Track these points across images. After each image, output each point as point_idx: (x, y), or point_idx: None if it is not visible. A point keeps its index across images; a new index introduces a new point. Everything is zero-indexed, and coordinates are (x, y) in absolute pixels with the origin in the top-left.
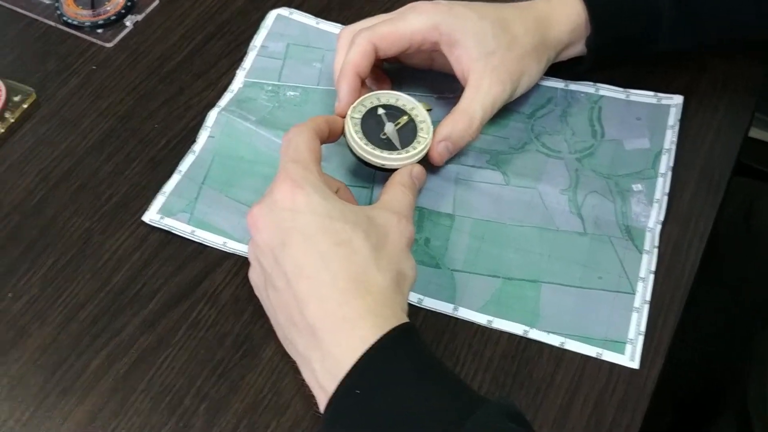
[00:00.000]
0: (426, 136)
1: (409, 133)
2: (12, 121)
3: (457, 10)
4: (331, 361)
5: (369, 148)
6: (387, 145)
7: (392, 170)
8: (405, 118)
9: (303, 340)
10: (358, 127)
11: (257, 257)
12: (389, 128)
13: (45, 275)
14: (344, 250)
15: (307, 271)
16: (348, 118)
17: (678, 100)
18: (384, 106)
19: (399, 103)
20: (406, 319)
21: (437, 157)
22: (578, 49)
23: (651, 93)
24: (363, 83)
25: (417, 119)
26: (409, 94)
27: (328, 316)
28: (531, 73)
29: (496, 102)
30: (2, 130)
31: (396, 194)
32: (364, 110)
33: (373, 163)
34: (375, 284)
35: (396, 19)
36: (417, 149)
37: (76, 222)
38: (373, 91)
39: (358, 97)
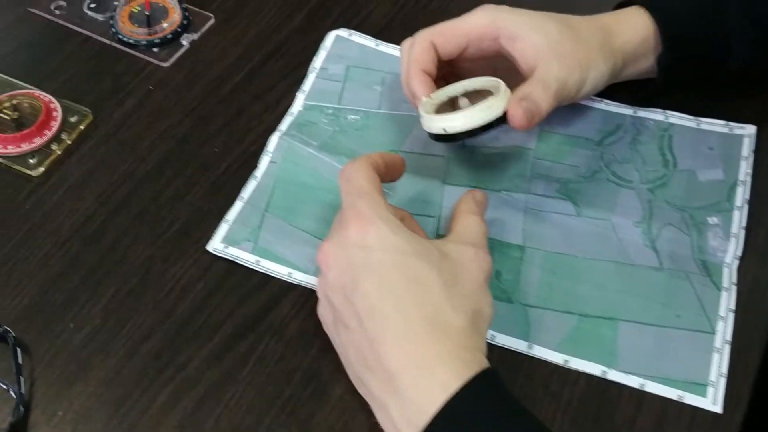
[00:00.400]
0: (503, 96)
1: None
2: (69, 142)
3: (518, 10)
4: (411, 408)
5: (433, 116)
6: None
7: (464, 135)
8: (484, 94)
9: (377, 383)
10: (430, 108)
11: (327, 294)
12: (464, 102)
13: (107, 305)
14: (417, 288)
15: (381, 311)
16: (424, 99)
17: (751, 129)
18: (467, 94)
19: (486, 85)
20: (486, 362)
21: (517, 120)
22: (647, 64)
23: (722, 122)
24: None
25: (498, 90)
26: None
27: (406, 360)
28: (599, 68)
29: (567, 81)
30: (59, 152)
31: (468, 224)
32: (444, 96)
33: (442, 132)
34: (451, 325)
35: (455, 18)
36: (492, 106)
37: (137, 249)
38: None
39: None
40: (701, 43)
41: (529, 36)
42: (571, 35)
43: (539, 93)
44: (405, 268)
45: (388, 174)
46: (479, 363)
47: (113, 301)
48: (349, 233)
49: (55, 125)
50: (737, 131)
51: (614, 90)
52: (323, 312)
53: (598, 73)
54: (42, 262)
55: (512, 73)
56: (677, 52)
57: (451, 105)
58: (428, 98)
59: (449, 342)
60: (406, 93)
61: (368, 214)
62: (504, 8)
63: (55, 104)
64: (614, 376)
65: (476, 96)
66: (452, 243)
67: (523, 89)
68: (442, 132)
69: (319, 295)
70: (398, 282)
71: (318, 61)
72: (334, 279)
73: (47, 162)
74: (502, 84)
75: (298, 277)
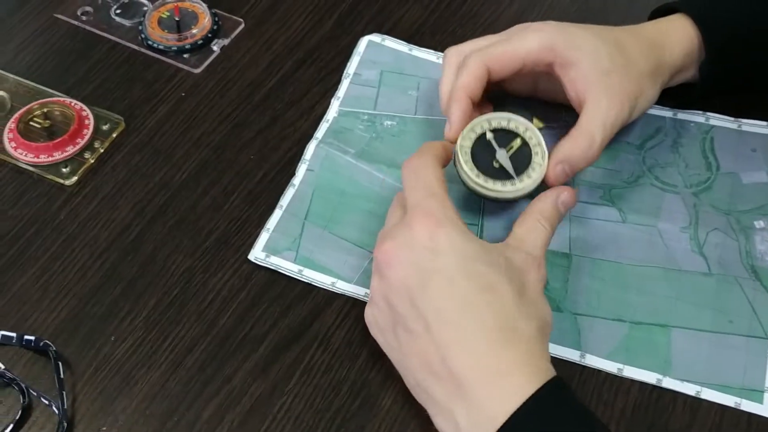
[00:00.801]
0: (541, 161)
1: (522, 158)
2: (102, 151)
3: (571, 30)
4: (482, 414)
5: (481, 180)
6: (500, 173)
7: (507, 201)
8: (518, 141)
9: (443, 390)
10: (468, 156)
11: (386, 296)
12: (501, 155)
13: (148, 317)
14: (489, 296)
15: (450, 317)
16: (458, 146)
17: None
18: (494, 131)
19: (511, 126)
20: (553, 371)
21: (554, 181)
22: (690, 74)
23: (764, 122)
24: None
25: (531, 142)
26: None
27: (477, 367)
28: (647, 95)
29: (616, 122)
30: (92, 161)
31: (532, 229)
32: (474, 136)
33: (486, 195)
34: (523, 333)
35: (510, 40)
36: (532, 177)
37: (176, 259)
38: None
39: (469, 121)
40: (744, 53)
41: (581, 64)
42: (622, 62)
43: (581, 151)
44: (476, 274)
45: (446, 164)
46: (549, 371)
47: (154, 312)
48: (416, 233)
49: (88, 133)
50: None
51: None
52: (377, 314)
53: (645, 101)
54: (79, 274)
55: (551, 87)
56: (720, 63)
57: (481, 141)
58: (461, 144)
59: (523, 348)
60: (442, 106)
61: (438, 216)
62: (559, 29)
63: (87, 112)
64: (669, 383)
65: (502, 134)
66: (514, 249)
67: (565, 149)
68: (492, 197)
69: (374, 296)
70: (469, 288)
71: (351, 66)
72: (398, 280)
73: (80, 171)
74: (540, 138)
75: (342, 287)
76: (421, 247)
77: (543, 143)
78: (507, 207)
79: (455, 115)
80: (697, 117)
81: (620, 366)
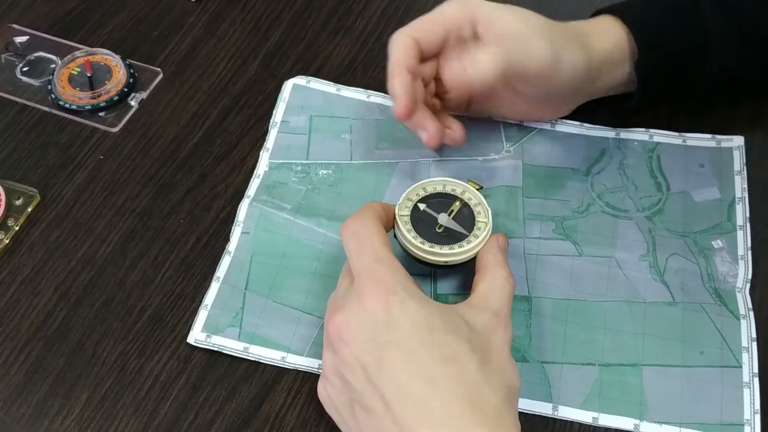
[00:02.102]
0: (485, 219)
1: (465, 219)
2: (16, 229)
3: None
4: None
5: (427, 246)
6: (446, 238)
7: (454, 266)
8: (457, 204)
9: None
10: (410, 226)
11: (340, 373)
12: (443, 218)
13: (81, 414)
14: (452, 367)
15: (411, 393)
16: (397, 217)
17: (739, 141)
18: (430, 196)
19: (448, 189)
20: None
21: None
22: (625, 72)
23: (708, 135)
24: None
25: (471, 202)
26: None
27: None
28: (573, 52)
29: (534, 45)
30: (7, 241)
31: (496, 285)
32: (411, 205)
33: (434, 263)
34: (490, 405)
35: (428, 13)
36: (479, 237)
37: (107, 345)
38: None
39: (415, 95)
40: (678, 47)
41: (505, 17)
42: (548, 22)
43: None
44: (435, 344)
45: (387, 226)
46: None
47: (87, 408)
48: (367, 304)
49: None
50: (725, 144)
51: (595, 111)
52: (331, 391)
53: (572, 56)
54: (2, 371)
55: (514, 104)
56: (654, 58)
57: (418, 209)
58: (400, 214)
59: (490, 423)
60: (390, 92)
61: (390, 283)
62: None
63: None
64: (647, 428)
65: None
66: (476, 310)
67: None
68: (441, 263)
69: (327, 373)
70: (430, 360)
71: (278, 114)
72: (352, 356)
73: None
74: (480, 198)
75: (293, 361)
76: (374, 319)
77: (484, 201)
78: (456, 269)
79: (398, 89)
80: (640, 135)
81: (595, 415)
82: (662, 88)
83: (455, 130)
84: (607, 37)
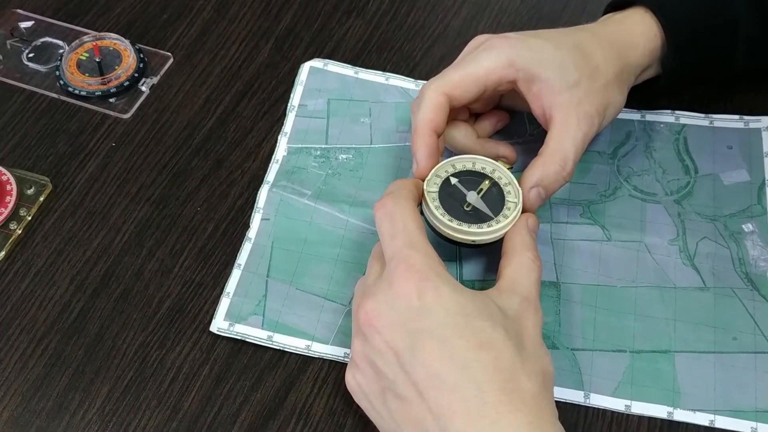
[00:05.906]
0: (515, 199)
1: (494, 199)
2: (29, 219)
3: (531, 42)
4: None
5: (455, 224)
6: (474, 217)
7: (484, 245)
8: (486, 182)
9: None
10: (438, 202)
11: (371, 360)
12: (472, 197)
13: (102, 408)
14: (487, 354)
15: (446, 381)
16: (425, 193)
17: (767, 121)
18: (460, 173)
19: (477, 167)
20: (561, 427)
21: (530, 206)
22: (654, 70)
23: (736, 116)
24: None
25: (501, 182)
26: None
27: None
28: (616, 103)
29: (586, 138)
30: (20, 232)
31: (523, 268)
32: (440, 181)
33: (461, 241)
34: (527, 391)
35: (466, 62)
36: (509, 217)
37: (127, 337)
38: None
39: (438, 157)
40: (707, 47)
41: (546, 78)
42: (589, 71)
43: (554, 173)
44: (470, 331)
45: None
46: (556, 428)
47: (109, 402)
48: (399, 291)
49: (11, 201)
50: (753, 125)
51: None
52: (362, 381)
53: (614, 110)
54: (19, 365)
55: (517, 101)
56: (682, 57)
57: (447, 185)
58: (428, 190)
59: (527, 410)
60: (412, 150)
61: (423, 269)
62: (517, 43)
63: (8, 176)
64: (681, 415)
65: (468, 177)
66: (507, 294)
67: (537, 172)
68: (469, 242)
69: (357, 361)
70: (465, 348)
71: (295, 97)
72: (384, 343)
73: (8, 245)
74: (510, 177)
75: (318, 349)
76: (407, 306)
77: (515, 181)
78: (483, 252)
79: (421, 152)
80: (666, 117)
81: (627, 402)
82: (685, 81)
83: (507, 156)
84: (644, 45)
